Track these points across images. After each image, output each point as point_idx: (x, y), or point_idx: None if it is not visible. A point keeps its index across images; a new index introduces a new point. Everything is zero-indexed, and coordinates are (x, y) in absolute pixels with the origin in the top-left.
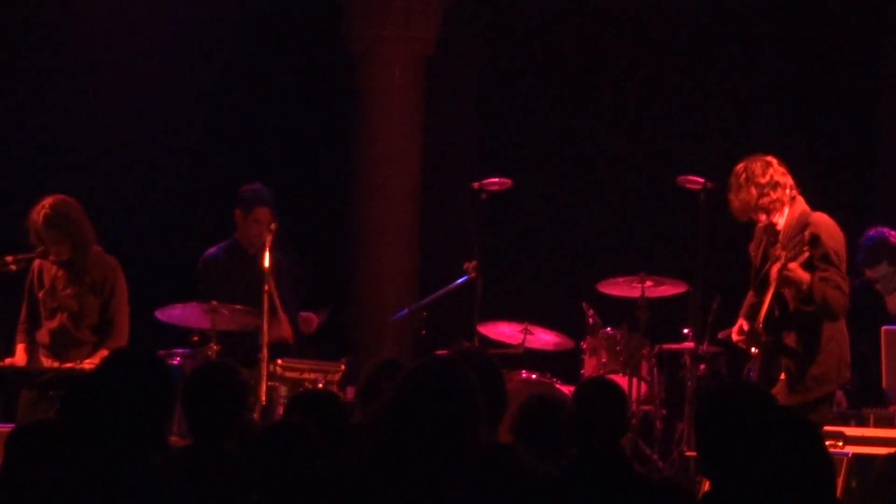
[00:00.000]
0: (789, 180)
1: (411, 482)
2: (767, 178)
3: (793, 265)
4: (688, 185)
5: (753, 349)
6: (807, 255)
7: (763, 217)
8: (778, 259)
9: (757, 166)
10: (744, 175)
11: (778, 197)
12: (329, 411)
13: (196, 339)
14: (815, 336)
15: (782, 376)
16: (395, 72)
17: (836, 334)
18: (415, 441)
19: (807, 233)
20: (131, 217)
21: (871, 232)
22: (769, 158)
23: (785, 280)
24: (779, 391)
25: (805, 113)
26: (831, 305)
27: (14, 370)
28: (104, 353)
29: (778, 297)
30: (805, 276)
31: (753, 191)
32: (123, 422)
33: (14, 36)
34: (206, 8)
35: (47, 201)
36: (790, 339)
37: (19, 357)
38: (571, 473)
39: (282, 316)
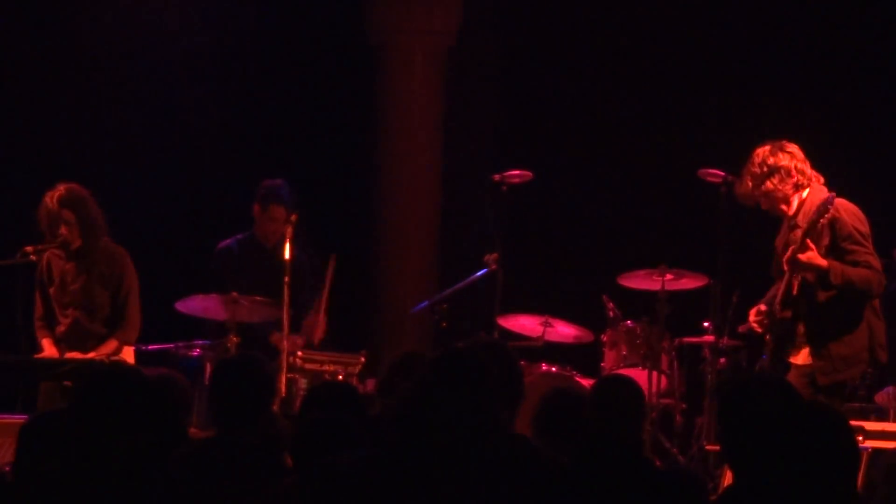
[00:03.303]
0: (802, 166)
1: (434, 471)
2: (767, 167)
3: (804, 255)
4: (709, 179)
5: (767, 336)
6: (827, 240)
7: (766, 205)
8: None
9: (760, 153)
10: (748, 162)
11: (774, 186)
12: (348, 403)
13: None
14: (843, 316)
15: (797, 358)
16: (416, 64)
17: (869, 315)
18: (436, 431)
19: (825, 217)
20: (154, 210)
21: None
22: (783, 143)
23: (796, 265)
24: (798, 371)
25: (833, 107)
26: (857, 283)
27: (33, 362)
28: (113, 343)
29: (802, 281)
30: (822, 261)
31: (749, 181)
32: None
33: (37, 33)
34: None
35: (62, 186)
36: (814, 319)
37: (49, 352)
38: (583, 468)
39: (321, 318)
